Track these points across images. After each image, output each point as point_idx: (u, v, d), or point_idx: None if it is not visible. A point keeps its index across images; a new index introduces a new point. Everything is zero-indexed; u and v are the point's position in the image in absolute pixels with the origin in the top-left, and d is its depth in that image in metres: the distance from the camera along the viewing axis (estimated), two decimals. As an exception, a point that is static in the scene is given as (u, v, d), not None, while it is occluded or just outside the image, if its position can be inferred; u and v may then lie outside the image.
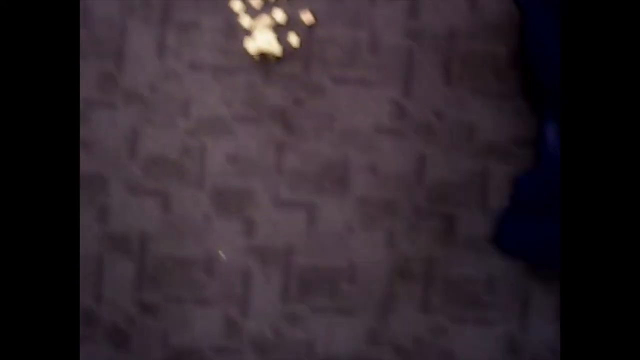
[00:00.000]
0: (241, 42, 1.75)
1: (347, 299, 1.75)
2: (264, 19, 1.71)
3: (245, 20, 1.71)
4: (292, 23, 1.74)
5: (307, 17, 1.71)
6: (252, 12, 1.75)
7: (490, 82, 1.72)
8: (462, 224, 1.74)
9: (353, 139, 1.73)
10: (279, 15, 1.71)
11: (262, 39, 1.69)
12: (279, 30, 1.74)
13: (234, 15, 1.76)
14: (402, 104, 1.73)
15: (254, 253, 1.74)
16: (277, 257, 1.75)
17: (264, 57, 1.72)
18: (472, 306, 1.75)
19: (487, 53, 1.72)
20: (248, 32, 1.73)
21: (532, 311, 1.76)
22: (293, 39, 1.71)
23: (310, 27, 1.73)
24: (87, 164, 1.76)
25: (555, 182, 1.61)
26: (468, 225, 1.74)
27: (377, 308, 1.75)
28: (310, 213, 1.74)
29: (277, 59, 1.72)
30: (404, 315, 1.75)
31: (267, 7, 1.75)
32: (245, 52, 1.75)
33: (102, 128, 1.78)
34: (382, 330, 1.75)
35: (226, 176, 1.73)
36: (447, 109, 1.73)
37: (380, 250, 1.75)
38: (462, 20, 1.71)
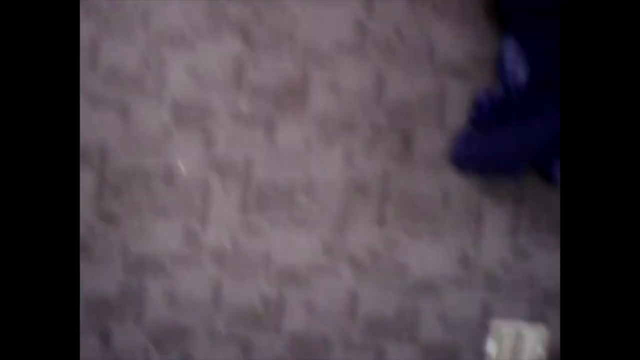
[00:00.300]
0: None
1: (304, 212, 1.79)
2: None
3: None
4: None
5: None
6: None
7: (451, 0, 1.72)
8: (420, 141, 1.77)
9: (313, 56, 1.73)
10: None
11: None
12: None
13: None
14: (364, 21, 1.72)
15: (213, 166, 1.76)
16: (236, 170, 1.77)
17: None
18: (426, 221, 1.79)
19: (449, -30, 1.71)
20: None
21: (485, 227, 1.80)
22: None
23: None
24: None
25: (513, 100, 1.63)
26: (425, 143, 1.76)
27: (333, 221, 1.79)
28: (269, 128, 1.76)
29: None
30: (360, 229, 1.79)
31: None
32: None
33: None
34: (338, 242, 1.80)
35: (186, 89, 1.74)
36: (408, 27, 1.73)
37: (338, 166, 1.77)
38: None
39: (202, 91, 1.73)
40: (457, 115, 1.74)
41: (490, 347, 1.82)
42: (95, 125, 1.73)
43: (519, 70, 1.59)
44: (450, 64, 1.73)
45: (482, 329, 1.82)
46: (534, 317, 1.82)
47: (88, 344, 1.75)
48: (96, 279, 1.75)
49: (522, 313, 1.82)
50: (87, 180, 1.74)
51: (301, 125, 1.74)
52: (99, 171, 1.74)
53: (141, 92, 1.71)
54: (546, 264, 1.80)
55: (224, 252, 1.79)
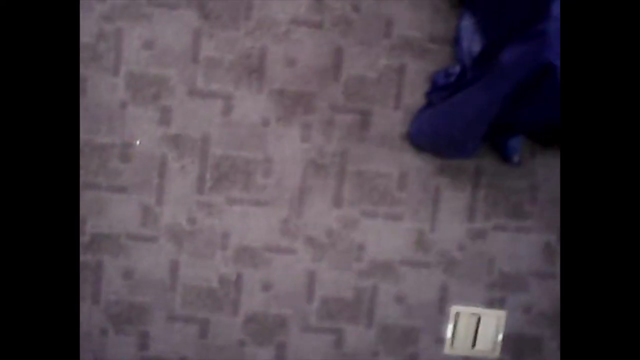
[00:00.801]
0: None
1: (262, 190, 1.76)
2: None
3: None
4: None
5: None
6: None
7: (410, -25, 1.69)
8: (377, 120, 1.74)
9: (270, 29, 1.71)
10: None
11: None
12: None
13: None
14: (321, -4, 1.70)
15: (169, 142, 1.74)
16: (193, 146, 1.75)
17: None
18: (384, 202, 1.77)
19: (409, -54, 1.69)
20: None
21: (443, 209, 1.77)
22: None
23: None
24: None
25: (468, 80, 1.60)
26: (383, 122, 1.74)
27: (291, 200, 1.76)
28: (226, 103, 1.73)
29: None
30: (317, 208, 1.77)
31: None
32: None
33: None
34: (296, 222, 1.77)
35: (142, 63, 1.72)
36: (366, 3, 1.71)
37: (296, 144, 1.75)
38: None
39: (158, 65, 1.71)
40: (415, 95, 1.72)
41: (449, 331, 1.78)
42: (51, 98, 1.71)
43: (474, 47, 1.56)
44: (408, 42, 1.70)
45: (439, 312, 1.79)
46: (492, 301, 1.79)
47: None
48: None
49: (480, 297, 1.79)
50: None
51: (258, 100, 1.72)
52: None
53: (96, 64, 1.69)
54: (504, 248, 1.77)
55: (181, 231, 1.77)
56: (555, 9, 1.08)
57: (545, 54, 1.05)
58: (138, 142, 1.74)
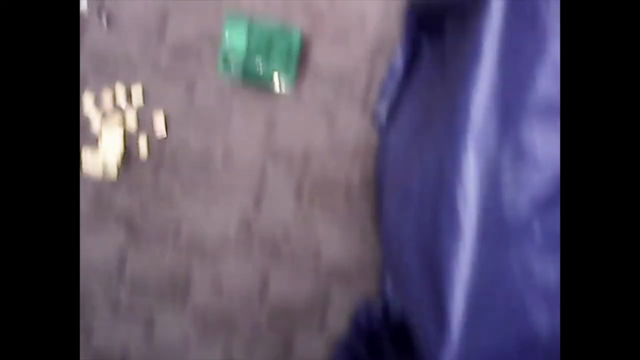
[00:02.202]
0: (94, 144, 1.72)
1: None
2: (114, 123, 1.68)
3: (95, 124, 1.69)
4: (144, 128, 1.71)
5: (159, 124, 1.69)
6: (104, 116, 1.72)
7: (339, 204, 1.73)
8: (300, 345, 1.74)
9: (198, 250, 1.72)
10: (131, 120, 1.68)
11: (108, 146, 1.66)
12: (130, 136, 1.71)
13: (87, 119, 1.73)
14: (251, 219, 1.72)
15: (91, 358, 1.71)
16: (112, 363, 1.72)
17: (108, 166, 1.69)
18: None
19: (339, 176, 1.73)
20: (97, 138, 1.71)
21: None
22: (143, 145, 1.69)
23: (162, 134, 1.72)
24: None
25: (390, 320, 1.61)
26: (305, 347, 1.74)
27: (208, 422, 1.73)
28: (148, 321, 1.72)
29: (123, 166, 1.70)
30: None
31: (118, 111, 1.72)
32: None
33: None
34: None
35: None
36: (295, 229, 1.73)
37: (217, 364, 1.73)
38: (319, 140, 1.72)
39: (83, 280, 1.69)
40: (339, 321, 1.72)
41: None
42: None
43: (394, 304, 1.59)
44: (335, 268, 1.72)
45: None
46: None
47: None
48: None
49: None
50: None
51: (181, 319, 1.71)
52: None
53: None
54: None
55: None
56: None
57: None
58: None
